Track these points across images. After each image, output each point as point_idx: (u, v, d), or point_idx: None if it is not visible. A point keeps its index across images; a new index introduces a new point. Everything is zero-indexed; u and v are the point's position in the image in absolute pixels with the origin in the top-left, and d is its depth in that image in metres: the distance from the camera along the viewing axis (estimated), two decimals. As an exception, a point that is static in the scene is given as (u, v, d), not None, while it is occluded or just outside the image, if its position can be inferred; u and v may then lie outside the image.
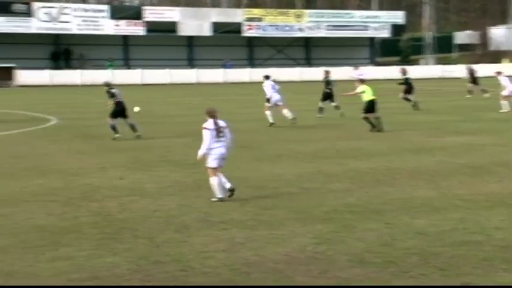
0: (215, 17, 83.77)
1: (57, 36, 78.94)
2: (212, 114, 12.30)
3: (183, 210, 11.47)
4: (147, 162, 17.05)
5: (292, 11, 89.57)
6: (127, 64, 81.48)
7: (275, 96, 26.63)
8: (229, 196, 12.19)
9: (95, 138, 21.92)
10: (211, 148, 12.16)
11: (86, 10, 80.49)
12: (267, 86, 26.89)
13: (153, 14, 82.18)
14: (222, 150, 12.23)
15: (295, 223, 10.49)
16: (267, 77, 27.31)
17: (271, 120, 25.89)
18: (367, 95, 23.86)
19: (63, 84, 68.12)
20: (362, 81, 25.09)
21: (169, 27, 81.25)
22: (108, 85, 23.08)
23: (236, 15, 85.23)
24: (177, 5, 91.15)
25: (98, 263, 8.54)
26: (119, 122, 22.19)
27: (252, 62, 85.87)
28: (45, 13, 77.14)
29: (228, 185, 12.22)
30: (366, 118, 23.66)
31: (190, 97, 47.28)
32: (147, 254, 8.92)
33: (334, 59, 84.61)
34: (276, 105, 26.56)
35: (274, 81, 27.27)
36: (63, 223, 10.63)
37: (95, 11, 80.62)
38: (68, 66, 77.65)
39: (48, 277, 8.02)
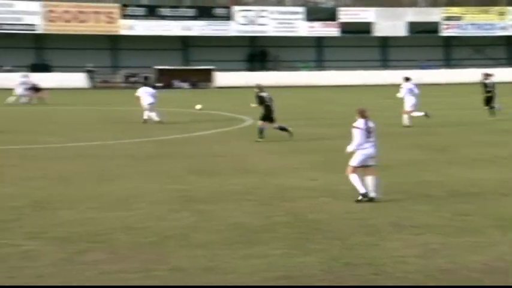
0: (411, 17, 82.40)
1: (253, 38, 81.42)
2: (363, 114, 12.48)
3: (375, 213, 11.39)
4: (338, 163, 17.00)
5: (495, 8, 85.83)
6: (320, 65, 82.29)
7: (411, 100, 26.21)
8: (366, 201, 12.11)
9: (287, 139, 22.30)
10: (360, 148, 12.34)
11: (282, 12, 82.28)
12: (404, 88, 26.72)
13: (348, 14, 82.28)
14: (371, 151, 12.40)
15: (493, 231, 10.06)
16: (407, 79, 27.16)
17: (406, 123, 25.98)
18: None
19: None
20: None
21: (364, 28, 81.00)
22: (259, 88, 22.77)
23: (433, 14, 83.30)
24: (372, 5, 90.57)
25: (290, 263, 8.69)
26: (269, 126, 22.36)
27: (448, 63, 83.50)
28: (243, 16, 79.89)
29: (372, 194, 12.18)
30: None
31: (384, 99, 46.79)
32: (339, 256, 8.94)
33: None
34: (409, 109, 26.38)
35: (414, 84, 26.98)
36: (258, 222, 10.92)
37: (290, 13, 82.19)
38: (263, 67, 79.85)
39: (244, 274, 8.28)
